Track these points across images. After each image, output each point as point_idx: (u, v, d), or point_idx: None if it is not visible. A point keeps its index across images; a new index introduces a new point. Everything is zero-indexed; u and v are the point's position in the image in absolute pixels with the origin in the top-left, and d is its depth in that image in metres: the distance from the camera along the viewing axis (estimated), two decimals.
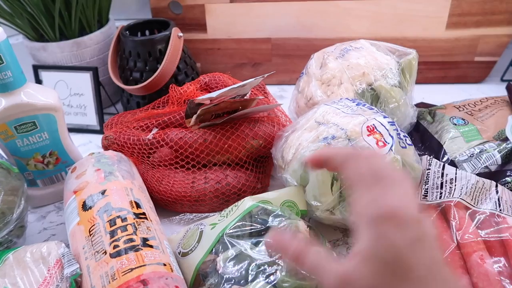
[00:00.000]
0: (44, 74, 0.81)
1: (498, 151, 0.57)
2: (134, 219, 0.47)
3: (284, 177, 0.54)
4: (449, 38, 0.83)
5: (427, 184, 0.53)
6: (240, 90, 0.59)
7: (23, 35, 0.82)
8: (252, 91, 0.67)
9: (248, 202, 0.48)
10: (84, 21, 0.81)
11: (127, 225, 0.45)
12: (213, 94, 0.56)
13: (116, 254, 0.42)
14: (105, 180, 0.52)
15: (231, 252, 0.44)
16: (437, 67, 0.87)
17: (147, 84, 0.74)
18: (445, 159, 0.60)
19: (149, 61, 0.76)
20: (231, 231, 0.46)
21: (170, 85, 0.66)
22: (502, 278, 0.43)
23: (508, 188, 0.53)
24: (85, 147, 0.78)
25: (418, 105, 0.74)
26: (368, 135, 0.50)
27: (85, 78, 0.79)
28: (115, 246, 0.43)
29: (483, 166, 0.56)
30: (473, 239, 0.46)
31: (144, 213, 0.49)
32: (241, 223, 0.46)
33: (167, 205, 0.60)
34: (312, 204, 0.50)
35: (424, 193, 0.52)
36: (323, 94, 0.64)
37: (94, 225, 0.46)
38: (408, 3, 0.81)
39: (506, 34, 0.82)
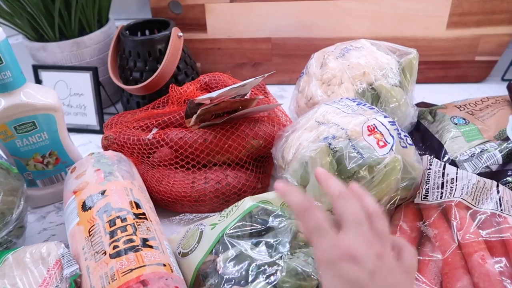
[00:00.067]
0: (44, 74, 0.81)
1: (499, 150, 0.57)
2: (134, 219, 0.46)
3: (285, 177, 0.54)
4: (449, 37, 0.83)
5: (428, 184, 0.53)
6: (240, 90, 0.59)
7: (23, 35, 0.82)
8: (252, 91, 0.67)
9: (248, 202, 0.48)
10: (84, 21, 0.81)
11: (127, 225, 0.45)
12: (213, 94, 0.56)
13: (116, 255, 0.42)
14: (105, 180, 0.52)
15: (231, 252, 0.44)
16: (437, 66, 0.87)
17: (147, 84, 0.74)
18: (445, 158, 0.59)
19: (149, 61, 0.76)
20: (231, 231, 0.46)
21: (170, 85, 0.66)
22: (503, 278, 0.43)
23: (509, 188, 0.52)
24: (85, 147, 0.78)
25: (419, 104, 0.74)
26: (368, 135, 0.50)
27: (85, 78, 0.79)
28: (115, 247, 0.43)
29: (484, 166, 0.56)
30: (474, 239, 0.46)
31: (144, 214, 0.48)
32: (241, 223, 0.46)
33: (167, 205, 0.60)
34: None
35: (425, 193, 0.52)
36: (323, 94, 0.64)
37: (93, 225, 0.46)
38: (409, 2, 0.81)
39: (507, 33, 0.82)
